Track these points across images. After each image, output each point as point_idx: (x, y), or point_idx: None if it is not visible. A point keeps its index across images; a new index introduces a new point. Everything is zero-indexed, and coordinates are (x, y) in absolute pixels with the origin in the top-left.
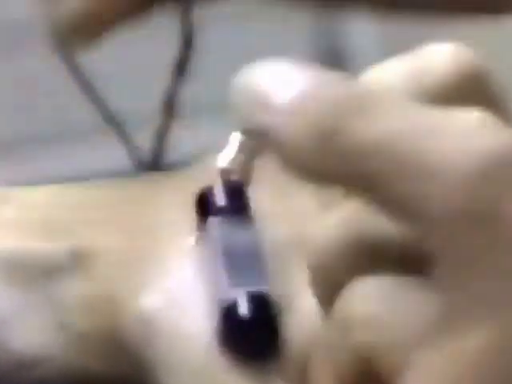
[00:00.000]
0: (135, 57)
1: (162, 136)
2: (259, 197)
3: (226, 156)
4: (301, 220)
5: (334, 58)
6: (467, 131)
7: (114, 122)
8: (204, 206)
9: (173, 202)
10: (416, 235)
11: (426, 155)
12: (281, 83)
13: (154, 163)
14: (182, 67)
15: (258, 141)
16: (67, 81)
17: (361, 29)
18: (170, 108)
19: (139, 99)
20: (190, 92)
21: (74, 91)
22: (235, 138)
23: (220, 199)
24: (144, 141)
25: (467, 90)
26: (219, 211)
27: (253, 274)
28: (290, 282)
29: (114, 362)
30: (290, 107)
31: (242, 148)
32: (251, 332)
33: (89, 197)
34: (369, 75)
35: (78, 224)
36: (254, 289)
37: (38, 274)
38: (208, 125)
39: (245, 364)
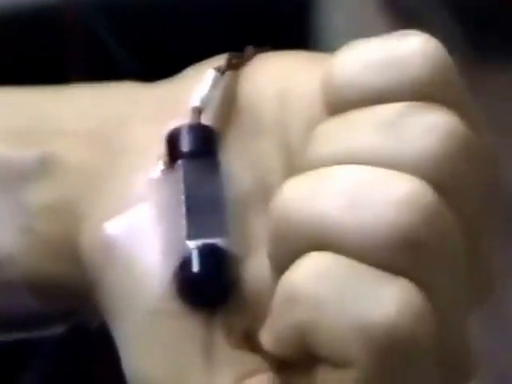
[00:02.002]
0: None
1: None
2: (226, 141)
3: (199, 93)
4: (265, 167)
5: None
6: None
7: None
8: (174, 145)
9: (150, 120)
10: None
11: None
12: None
13: None
14: None
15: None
16: None
17: None
18: None
19: None
20: None
21: None
22: (209, 75)
23: (188, 142)
24: None
25: (438, 88)
26: (187, 154)
27: (212, 224)
28: (251, 232)
29: (74, 271)
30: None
31: (215, 85)
32: (202, 286)
33: (66, 105)
34: (344, 54)
35: (50, 133)
36: (210, 240)
37: (6, 178)
38: None
39: (194, 312)
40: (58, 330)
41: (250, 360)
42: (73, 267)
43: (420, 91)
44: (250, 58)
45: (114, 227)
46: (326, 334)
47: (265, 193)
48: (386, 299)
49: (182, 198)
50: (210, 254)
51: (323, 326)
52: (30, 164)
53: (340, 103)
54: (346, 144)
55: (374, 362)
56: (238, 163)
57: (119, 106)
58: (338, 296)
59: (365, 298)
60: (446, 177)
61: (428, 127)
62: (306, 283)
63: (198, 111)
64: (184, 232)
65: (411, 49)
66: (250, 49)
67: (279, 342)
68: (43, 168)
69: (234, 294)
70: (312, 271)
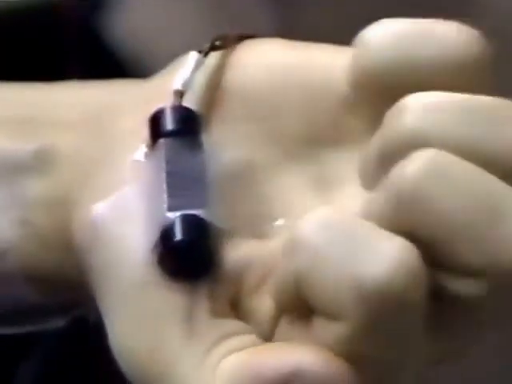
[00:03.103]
0: None
1: None
2: (211, 123)
3: (182, 76)
4: (251, 150)
5: None
6: None
7: None
8: (156, 127)
9: (138, 108)
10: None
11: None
12: None
13: None
14: None
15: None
16: None
17: None
18: None
19: None
20: None
21: None
22: (192, 58)
23: (170, 122)
24: None
25: (474, 74)
26: (170, 133)
27: (193, 197)
28: (235, 209)
29: (71, 262)
30: None
31: (198, 68)
32: (184, 256)
33: (60, 96)
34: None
35: (45, 123)
36: (191, 212)
37: (3, 170)
38: None
39: (176, 282)
40: (59, 323)
41: (232, 325)
42: (70, 258)
43: (456, 73)
44: (234, 41)
45: (99, 208)
46: (322, 284)
47: (251, 174)
48: (383, 255)
49: (164, 173)
50: (191, 223)
51: (320, 275)
52: (27, 157)
53: (376, 78)
54: (457, 133)
55: (364, 316)
56: (222, 144)
57: (111, 96)
58: (338, 247)
59: (363, 252)
60: None
61: None
62: (309, 233)
63: (179, 93)
64: (165, 206)
65: (450, 29)
66: (234, 32)
67: (279, 290)
68: (40, 161)
69: (215, 265)
70: (317, 222)
